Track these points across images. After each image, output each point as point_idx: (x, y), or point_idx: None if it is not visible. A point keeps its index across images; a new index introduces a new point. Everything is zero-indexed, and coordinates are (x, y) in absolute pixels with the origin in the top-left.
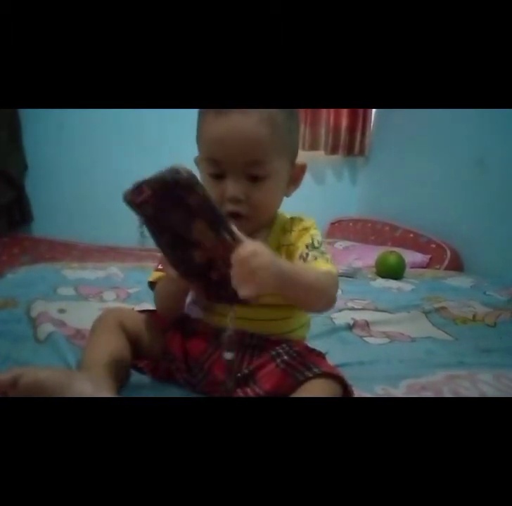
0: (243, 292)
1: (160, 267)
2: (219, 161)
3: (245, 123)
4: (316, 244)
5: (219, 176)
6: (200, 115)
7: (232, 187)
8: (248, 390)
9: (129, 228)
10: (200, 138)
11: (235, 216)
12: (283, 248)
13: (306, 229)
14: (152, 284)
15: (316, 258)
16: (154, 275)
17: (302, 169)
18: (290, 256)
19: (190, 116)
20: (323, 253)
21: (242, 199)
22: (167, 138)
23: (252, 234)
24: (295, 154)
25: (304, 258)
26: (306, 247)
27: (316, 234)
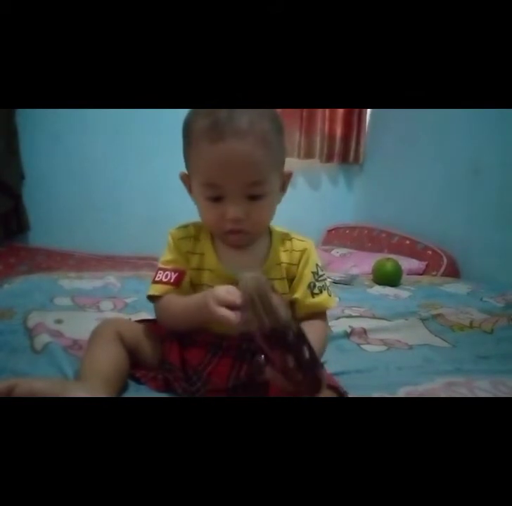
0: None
1: (158, 279)
2: (218, 185)
3: (243, 147)
4: (319, 272)
5: (217, 198)
6: (190, 141)
7: (233, 208)
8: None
9: (125, 236)
10: (194, 164)
11: (236, 232)
12: (283, 265)
13: (306, 251)
14: (152, 298)
15: (321, 291)
16: (157, 289)
17: (289, 176)
18: (289, 274)
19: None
20: (324, 280)
21: (243, 218)
22: (163, 148)
23: (251, 245)
24: (283, 165)
25: (311, 289)
26: (313, 275)
27: (316, 258)
